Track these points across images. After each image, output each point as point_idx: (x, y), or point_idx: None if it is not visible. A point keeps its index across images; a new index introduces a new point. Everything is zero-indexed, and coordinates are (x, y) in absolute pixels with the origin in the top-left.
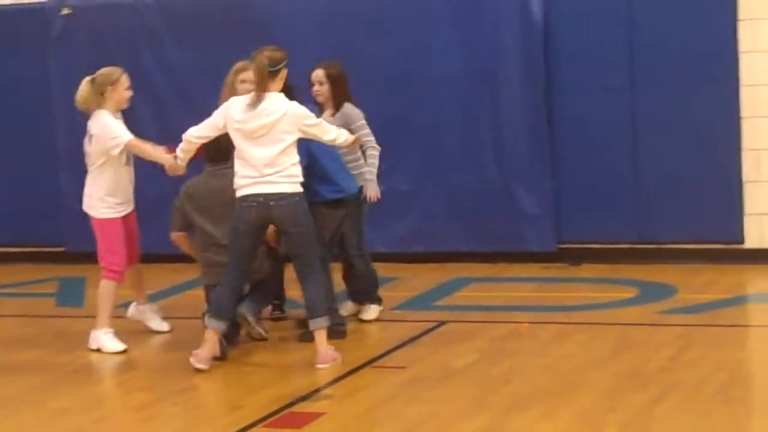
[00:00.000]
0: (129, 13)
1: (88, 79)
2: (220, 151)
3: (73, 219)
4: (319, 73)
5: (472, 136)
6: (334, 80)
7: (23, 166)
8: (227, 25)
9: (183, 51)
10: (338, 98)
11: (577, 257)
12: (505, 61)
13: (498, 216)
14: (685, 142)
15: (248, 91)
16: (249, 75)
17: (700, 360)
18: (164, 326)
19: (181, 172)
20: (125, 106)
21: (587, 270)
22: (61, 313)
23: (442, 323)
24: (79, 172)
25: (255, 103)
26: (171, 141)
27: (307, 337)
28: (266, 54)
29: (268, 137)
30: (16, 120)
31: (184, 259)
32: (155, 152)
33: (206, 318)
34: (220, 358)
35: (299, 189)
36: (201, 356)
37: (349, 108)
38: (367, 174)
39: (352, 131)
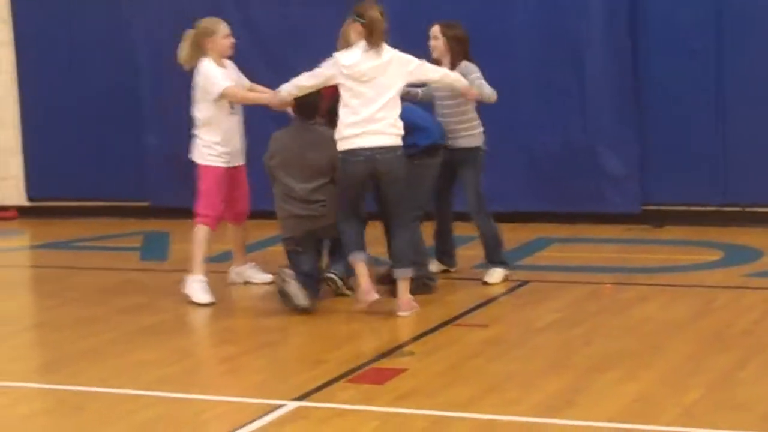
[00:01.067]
0: None
1: (187, 34)
2: (309, 106)
3: (157, 174)
4: (435, 29)
5: (556, 95)
6: (450, 38)
7: (108, 121)
8: None
9: (266, 6)
10: (455, 57)
11: (660, 219)
12: (590, 21)
13: (582, 176)
14: None
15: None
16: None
17: None
18: (266, 277)
19: (288, 105)
20: (229, 53)
21: (670, 232)
22: (146, 267)
23: (524, 283)
24: (162, 128)
25: (367, 50)
26: None
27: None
28: (379, 10)
29: (376, 83)
30: (102, 75)
31: (265, 215)
32: (252, 95)
33: (349, 255)
34: (306, 309)
35: (401, 142)
36: (363, 290)
37: (464, 64)
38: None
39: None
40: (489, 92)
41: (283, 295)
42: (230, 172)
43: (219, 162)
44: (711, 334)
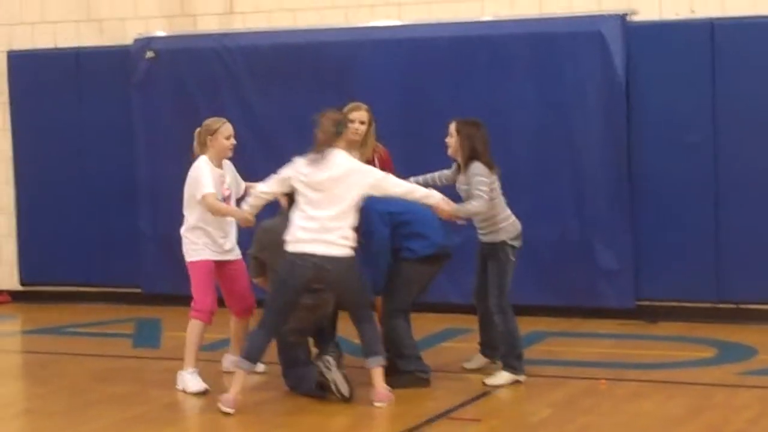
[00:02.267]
0: (211, 57)
1: (197, 129)
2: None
3: (150, 260)
4: (451, 126)
5: (550, 190)
6: (464, 135)
7: (104, 206)
8: (308, 71)
9: (264, 96)
10: (466, 154)
11: (654, 314)
12: (586, 116)
13: (576, 271)
14: (767, 201)
15: (356, 131)
16: (357, 115)
17: None
18: (260, 367)
19: (251, 224)
20: (228, 155)
21: (665, 328)
22: (138, 354)
23: None
24: (157, 214)
25: (319, 158)
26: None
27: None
28: (332, 117)
29: (331, 193)
30: (98, 160)
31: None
32: (226, 208)
33: (239, 360)
34: (348, 399)
35: (352, 253)
36: (227, 397)
37: (474, 165)
38: (464, 205)
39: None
40: (472, 210)
41: (323, 385)
42: (224, 266)
43: (204, 255)
44: None
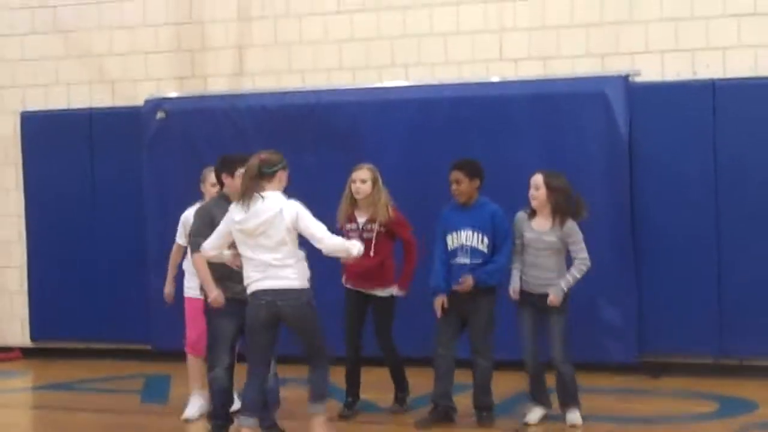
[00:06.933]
0: (221, 117)
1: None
2: None
3: (160, 317)
4: (537, 179)
5: None
6: (553, 189)
7: (115, 264)
8: (316, 131)
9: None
10: (557, 209)
11: (657, 369)
12: (590, 176)
13: (580, 326)
14: None
15: (356, 189)
16: (358, 174)
17: None
18: None
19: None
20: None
21: (667, 383)
22: (146, 410)
23: None
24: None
25: (247, 203)
26: None
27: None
28: (261, 157)
29: (267, 235)
30: (109, 218)
31: None
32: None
33: (240, 418)
34: None
35: (306, 285)
36: None
37: (571, 224)
38: (563, 281)
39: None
40: (584, 256)
41: None
42: None
43: (193, 293)
44: None
